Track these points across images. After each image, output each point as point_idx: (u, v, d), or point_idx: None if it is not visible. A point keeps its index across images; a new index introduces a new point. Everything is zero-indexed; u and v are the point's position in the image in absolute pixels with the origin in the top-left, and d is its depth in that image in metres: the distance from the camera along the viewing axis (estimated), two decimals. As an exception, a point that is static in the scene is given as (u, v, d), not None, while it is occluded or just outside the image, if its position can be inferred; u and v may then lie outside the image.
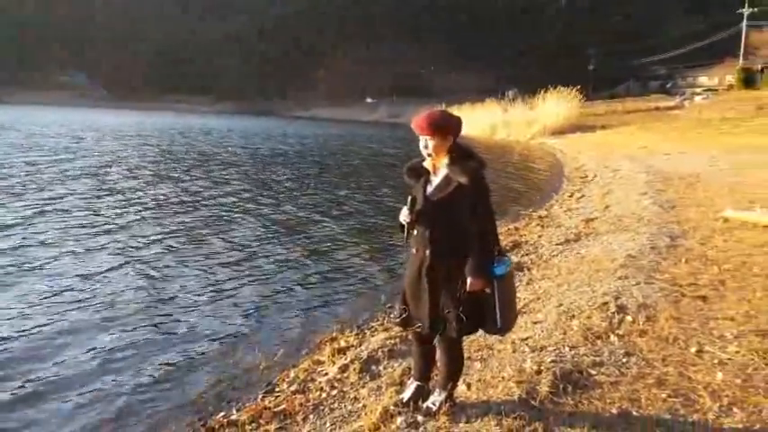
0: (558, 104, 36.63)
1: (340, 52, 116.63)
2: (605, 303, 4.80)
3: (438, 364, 3.29)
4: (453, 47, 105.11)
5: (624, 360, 3.72)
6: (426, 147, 2.98)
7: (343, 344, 4.76)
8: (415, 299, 3.07)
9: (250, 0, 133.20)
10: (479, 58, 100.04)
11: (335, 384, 3.96)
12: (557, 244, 7.82)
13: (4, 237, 8.41)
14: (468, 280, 2.89)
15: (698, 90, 61.39)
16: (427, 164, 3.05)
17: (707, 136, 24.66)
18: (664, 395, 3.21)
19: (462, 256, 2.91)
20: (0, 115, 48.61)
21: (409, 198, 3.04)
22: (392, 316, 3.62)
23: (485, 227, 2.97)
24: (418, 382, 3.34)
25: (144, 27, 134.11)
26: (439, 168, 3.00)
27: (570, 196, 12.93)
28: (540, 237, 8.61)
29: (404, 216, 3.03)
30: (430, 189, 3.00)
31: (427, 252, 2.97)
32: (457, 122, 3.00)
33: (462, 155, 2.97)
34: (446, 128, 2.96)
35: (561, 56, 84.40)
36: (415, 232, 3.02)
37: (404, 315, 3.17)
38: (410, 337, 3.42)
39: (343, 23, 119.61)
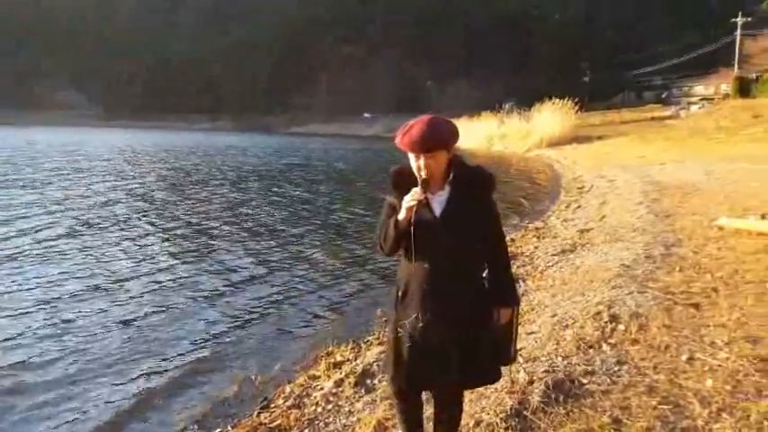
0: (553, 116, 36.80)
1: (337, 67, 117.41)
2: (598, 313, 4.82)
3: (440, 413, 2.72)
4: (451, 61, 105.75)
5: (616, 368, 3.74)
6: (426, 167, 2.31)
7: (339, 358, 4.79)
8: (435, 352, 2.41)
9: (246, 16, 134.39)
10: (477, 72, 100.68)
11: (330, 399, 3.99)
12: (552, 255, 7.87)
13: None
14: (502, 311, 2.49)
15: (694, 99, 61.75)
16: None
17: (703, 145, 24.78)
18: (654, 402, 3.23)
19: (483, 284, 2.50)
20: (6, 136, 49.38)
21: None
22: (386, 382, 2.80)
23: (505, 247, 2.59)
24: None
25: (140, 45, 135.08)
26: (437, 187, 2.40)
27: (567, 207, 13.00)
28: (536, 248, 8.65)
29: (414, 196, 2.30)
30: (438, 211, 2.38)
31: (451, 289, 2.39)
32: (456, 128, 2.41)
33: (467, 167, 2.47)
34: (450, 139, 2.35)
35: (557, 68, 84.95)
36: (427, 265, 2.38)
37: (404, 379, 2.52)
38: (393, 396, 2.76)
39: (340, 39, 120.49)
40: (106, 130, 78.58)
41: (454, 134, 2.36)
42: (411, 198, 2.30)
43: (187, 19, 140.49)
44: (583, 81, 76.51)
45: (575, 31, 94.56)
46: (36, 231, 10.36)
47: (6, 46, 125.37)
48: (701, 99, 59.86)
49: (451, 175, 2.39)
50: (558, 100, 37.46)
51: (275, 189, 18.42)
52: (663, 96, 73.37)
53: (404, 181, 2.39)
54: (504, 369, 3.87)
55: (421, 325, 2.40)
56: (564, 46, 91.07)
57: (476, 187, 2.43)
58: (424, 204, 2.32)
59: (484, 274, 2.51)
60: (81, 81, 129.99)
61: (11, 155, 29.71)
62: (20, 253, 8.73)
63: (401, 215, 2.34)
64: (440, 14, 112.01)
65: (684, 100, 63.23)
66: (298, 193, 17.63)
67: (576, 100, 38.52)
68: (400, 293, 2.49)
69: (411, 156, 2.36)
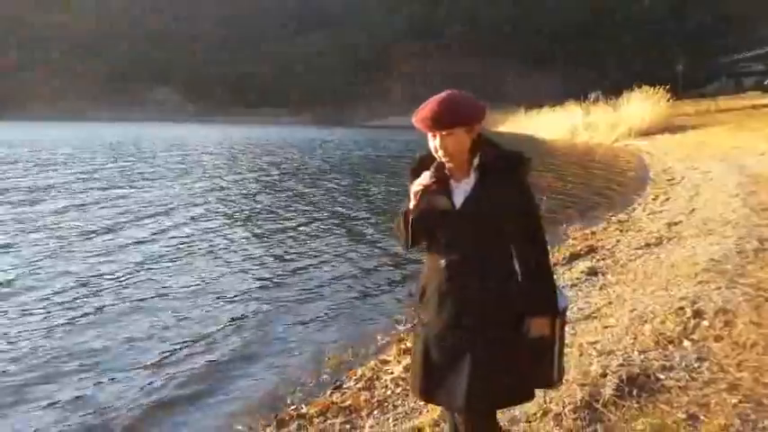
0: (643, 105, 35.11)
1: (415, 59, 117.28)
2: (681, 308, 4.62)
3: None
4: (533, 51, 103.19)
5: (696, 365, 3.59)
6: (443, 148, 2.06)
7: (409, 344, 4.84)
8: (450, 362, 2.11)
9: (326, 16, 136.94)
10: (560, 61, 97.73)
11: (400, 383, 4.06)
12: (636, 248, 7.57)
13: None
14: (533, 321, 2.11)
15: (801, 85, 57.02)
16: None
17: (809, 134, 22.89)
18: (735, 400, 3.09)
19: (514, 289, 2.14)
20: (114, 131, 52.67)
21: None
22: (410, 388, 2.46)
23: (542, 245, 2.20)
24: None
25: (226, 46, 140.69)
26: (462, 173, 2.13)
27: (654, 199, 12.43)
28: (618, 241, 8.35)
29: (422, 180, 2.08)
30: (459, 201, 2.10)
31: (472, 291, 2.08)
32: (481, 105, 2.13)
33: (497, 149, 2.14)
34: (470, 115, 2.07)
35: (646, 56, 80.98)
36: (443, 263, 2.11)
37: (419, 391, 2.24)
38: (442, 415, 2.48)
39: (418, 30, 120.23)
40: (199, 126, 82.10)
41: (476, 110, 2.09)
42: (418, 183, 2.08)
43: (266, 21, 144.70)
44: (676, 69, 72.42)
45: (664, 17, 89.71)
46: (184, 225, 10.97)
47: (106, 48, 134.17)
48: (811, 85, 55.23)
49: (477, 160, 2.10)
50: (648, 88, 35.72)
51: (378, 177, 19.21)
52: (765, 83, 68.21)
53: (425, 168, 2.12)
54: (576, 361, 3.87)
55: (434, 332, 2.13)
56: (653, 32, 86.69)
57: (508, 173, 2.10)
58: (440, 192, 2.08)
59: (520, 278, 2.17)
60: (174, 80, 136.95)
61: (122, 149, 31.55)
62: (171, 246, 9.17)
63: (411, 204, 2.11)
64: (520, 11, 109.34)
65: (791, 86, 58.44)
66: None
67: (668, 88, 36.55)
68: (419, 294, 2.24)
69: (429, 136, 2.11)
